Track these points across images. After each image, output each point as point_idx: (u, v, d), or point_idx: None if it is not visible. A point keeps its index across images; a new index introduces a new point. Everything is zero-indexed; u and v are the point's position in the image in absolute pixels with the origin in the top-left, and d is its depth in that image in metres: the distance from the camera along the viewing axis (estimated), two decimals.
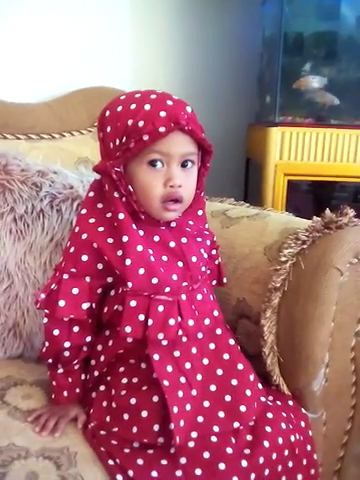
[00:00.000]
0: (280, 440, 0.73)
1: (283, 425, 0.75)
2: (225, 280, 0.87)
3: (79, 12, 1.28)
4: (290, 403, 0.81)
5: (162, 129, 0.66)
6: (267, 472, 0.70)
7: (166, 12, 1.43)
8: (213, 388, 0.74)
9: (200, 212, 0.80)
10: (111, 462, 0.66)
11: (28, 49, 1.23)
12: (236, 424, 0.71)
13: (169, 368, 0.71)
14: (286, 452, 0.73)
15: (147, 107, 0.67)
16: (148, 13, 1.41)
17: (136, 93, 0.71)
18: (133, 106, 0.68)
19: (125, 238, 0.69)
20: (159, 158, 0.69)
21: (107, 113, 0.72)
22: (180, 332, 0.71)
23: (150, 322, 0.69)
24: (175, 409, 0.67)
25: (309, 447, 0.78)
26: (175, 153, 0.69)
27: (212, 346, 0.77)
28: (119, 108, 0.70)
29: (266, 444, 0.71)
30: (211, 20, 1.46)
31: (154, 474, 0.64)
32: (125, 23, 1.38)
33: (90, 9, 1.30)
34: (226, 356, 0.76)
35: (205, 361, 0.75)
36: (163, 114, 0.66)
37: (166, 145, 0.68)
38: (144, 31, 1.41)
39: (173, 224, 0.75)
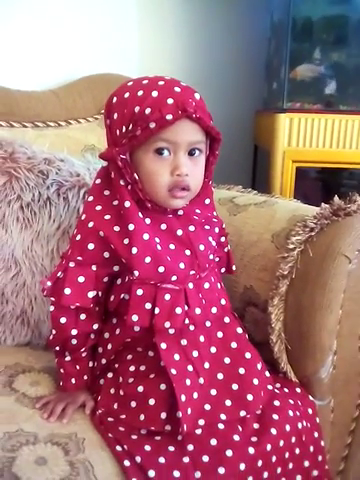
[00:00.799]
0: (287, 427, 0.73)
1: (290, 412, 0.75)
2: (234, 267, 0.86)
3: (86, 0, 1.27)
4: (298, 390, 0.81)
5: (169, 117, 0.65)
6: (274, 459, 0.70)
7: None
8: (220, 376, 0.74)
9: (207, 201, 0.79)
10: (119, 448, 0.66)
11: (34, 37, 1.22)
12: (243, 413, 0.71)
13: (176, 356, 0.71)
14: (293, 439, 0.74)
15: (154, 94, 0.66)
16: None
17: (144, 79, 0.70)
18: (140, 93, 0.67)
19: (131, 226, 0.69)
20: (166, 146, 0.68)
21: (114, 99, 0.71)
22: (187, 321, 0.71)
23: (157, 311, 0.69)
24: (183, 397, 0.68)
25: (316, 434, 0.79)
26: (182, 141, 0.68)
27: (220, 334, 0.76)
28: (126, 94, 0.69)
29: (273, 431, 0.71)
30: (218, 5, 1.44)
31: (162, 460, 0.65)
32: (131, 9, 1.36)
33: None
34: (234, 345, 0.76)
35: (213, 349, 0.75)
36: (170, 101, 0.65)
37: (173, 133, 0.67)
38: (150, 17, 1.40)
39: (180, 212, 0.75)
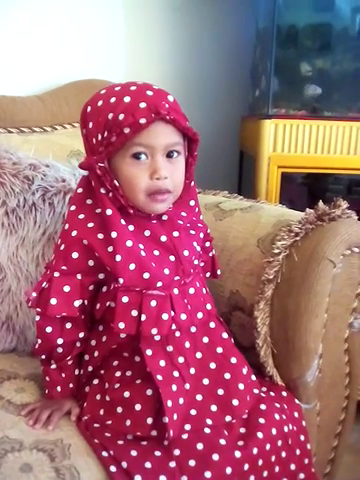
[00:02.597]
0: (274, 431, 0.73)
1: (276, 416, 0.75)
2: (219, 272, 0.86)
3: (72, 4, 1.27)
4: (284, 394, 0.82)
5: (143, 120, 0.65)
6: (261, 462, 0.71)
7: (159, 4, 1.42)
8: (206, 382, 0.74)
9: (192, 202, 0.79)
10: (105, 454, 0.66)
11: (19, 42, 1.22)
12: (228, 418, 0.72)
13: (162, 363, 0.71)
14: (279, 443, 0.74)
15: (126, 99, 0.66)
16: (141, 5, 1.40)
17: (116, 86, 0.70)
18: (113, 99, 0.67)
19: (114, 234, 0.69)
20: (142, 150, 0.68)
21: (88, 109, 0.71)
22: (173, 326, 0.71)
23: (143, 317, 0.69)
24: (169, 403, 0.67)
25: (302, 437, 0.79)
26: (158, 144, 0.67)
27: (205, 340, 0.77)
28: (99, 103, 0.69)
29: (260, 435, 0.71)
30: (205, 12, 1.45)
31: (148, 465, 0.64)
32: (119, 15, 1.37)
33: (83, 1, 1.29)
34: (219, 350, 0.76)
35: (198, 355, 0.75)
36: (143, 105, 0.65)
37: (148, 136, 0.67)
38: (137, 24, 1.41)
39: (165, 217, 0.74)
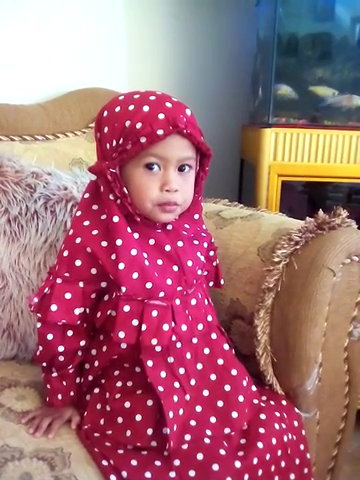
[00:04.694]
0: (273, 440, 0.73)
1: (276, 425, 0.75)
2: (222, 282, 0.86)
3: (73, 13, 1.28)
4: (283, 403, 0.82)
5: (160, 132, 0.65)
6: (260, 472, 0.70)
7: (161, 13, 1.43)
8: (206, 393, 0.74)
9: (196, 216, 0.79)
10: (105, 463, 0.66)
11: (22, 50, 1.23)
12: (227, 430, 0.72)
13: (163, 374, 0.71)
14: (279, 452, 0.74)
15: (145, 109, 0.66)
16: (143, 14, 1.41)
17: (135, 94, 0.70)
18: (131, 107, 0.67)
19: (119, 242, 0.69)
20: (156, 161, 0.68)
21: (105, 113, 0.71)
22: (174, 338, 0.71)
23: (144, 327, 0.69)
24: (170, 414, 0.67)
25: (302, 446, 0.79)
26: (172, 157, 0.68)
27: (206, 351, 0.77)
28: (117, 108, 0.69)
29: (260, 445, 0.71)
30: (206, 21, 1.47)
31: (148, 475, 0.64)
32: (120, 24, 1.38)
33: (85, 10, 1.30)
34: (220, 361, 0.76)
35: (199, 366, 0.75)
36: (162, 116, 0.65)
37: (163, 148, 0.67)
38: (139, 32, 1.42)
39: (169, 227, 0.74)
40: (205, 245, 0.81)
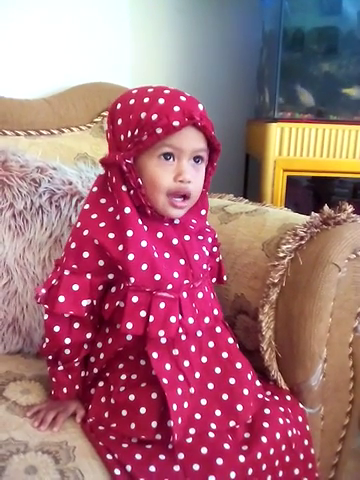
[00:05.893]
0: (278, 435, 0.73)
1: (280, 420, 0.75)
2: (225, 278, 0.87)
3: (78, 7, 1.28)
4: (288, 398, 0.82)
5: (176, 123, 0.66)
6: (264, 467, 0.71)
7: (165, 7, 1.43)
8: (211, 386, 0.74)
9: (203, 212, 0.79)
10: (109, 456, 0.66)
11: (27, 45, 1.22)
12: (232, 423, 0.72)
13: (168, 366, 0.71)
14: (283, 447, 0.74)
15: (161, 101, 0.67)
16: (147, 8, 1.41)
17: (148, 88, 0.71)
18: (146, 100, 0.68)
19: (130, 233, 0.69)
20: (171, 152, 0.69)
21: (118, 106, 0.72)
22: (180, 330, 0.71)
23: (151, 319, 0.69)
24: (174, 406, 0.68)
25: (306, 442, 0.79)
26: (187, 148, 0.69)
27: (211, 344, 0.77)
28: (131, 101, 0.70)
29: (264, 440, 0.71)
30: (211, 15, 1.46)
31: (152, 469, 0.65)
32: (124, 19, 1.37)
33: (89, 4, 1.30)
34: (225, 355, 0.77)
35: (204, 359, 0.75)
36: (177, 109, 0.66)
37: (179, 139, 0.68)
38: (143, 27, 1.41)
39: (177, 221, 0.75)
40: (209, 240, 0.81)
